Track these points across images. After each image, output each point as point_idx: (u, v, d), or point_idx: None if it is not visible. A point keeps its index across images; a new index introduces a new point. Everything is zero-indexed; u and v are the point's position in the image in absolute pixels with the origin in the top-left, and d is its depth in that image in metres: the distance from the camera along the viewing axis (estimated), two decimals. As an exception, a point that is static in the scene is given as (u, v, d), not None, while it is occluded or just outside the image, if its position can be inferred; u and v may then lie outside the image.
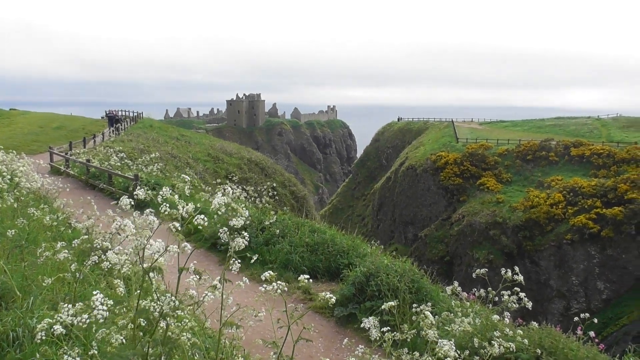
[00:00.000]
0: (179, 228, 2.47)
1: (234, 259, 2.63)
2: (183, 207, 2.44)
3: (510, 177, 55.21)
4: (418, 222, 59.85)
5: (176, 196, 2.56)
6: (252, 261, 3.39)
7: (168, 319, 2.52)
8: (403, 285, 7.29)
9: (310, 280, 2.88)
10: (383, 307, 3.51)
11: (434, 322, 3.31)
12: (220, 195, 2.45)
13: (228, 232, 2.59)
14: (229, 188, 2.60)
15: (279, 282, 2.69)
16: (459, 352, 4.31)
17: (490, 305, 5.68)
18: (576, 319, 5.26)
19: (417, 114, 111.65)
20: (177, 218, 2.48)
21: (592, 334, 5.18)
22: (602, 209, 43.19)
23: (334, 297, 2.85)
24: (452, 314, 5.09)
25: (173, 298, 2.55)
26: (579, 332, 5.34)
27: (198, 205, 2.68)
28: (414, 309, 5.63)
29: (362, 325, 3.26)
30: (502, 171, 56.02)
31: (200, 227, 2.61)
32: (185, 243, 2.92)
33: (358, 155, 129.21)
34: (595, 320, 4.96)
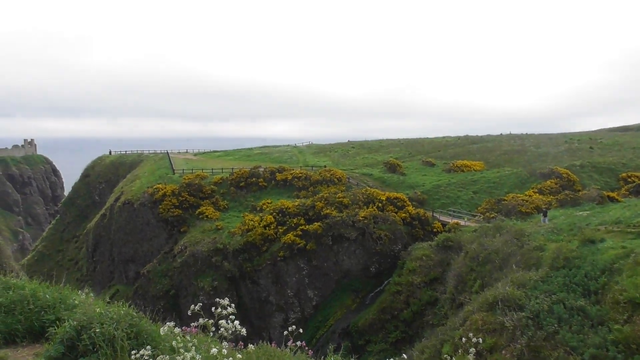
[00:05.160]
0: None
1: None
2: None
3: (227, 204, 57.94)
4: (139, 258, 57.04)
5: None
6: None
7: None
8: (120, 332, 6.76)
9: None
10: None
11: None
12: None
13: None
14: None
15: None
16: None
17: (211, 334, 5.81)
18: (286, 332, 5.82)
19: (126, 147, 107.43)
20: None
21: (299, 343, 5.81)
22: (305, 225, 49.19)
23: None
24: (166, 356, 4.98)
25: None
26: (290, 343, 5.92)
27: None
28: (133, 356, 5.31)
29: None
30: (219, 199, 58.35)
31: None
32: None
33: (66, 193, 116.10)
34: (301, 331, 5.58)
